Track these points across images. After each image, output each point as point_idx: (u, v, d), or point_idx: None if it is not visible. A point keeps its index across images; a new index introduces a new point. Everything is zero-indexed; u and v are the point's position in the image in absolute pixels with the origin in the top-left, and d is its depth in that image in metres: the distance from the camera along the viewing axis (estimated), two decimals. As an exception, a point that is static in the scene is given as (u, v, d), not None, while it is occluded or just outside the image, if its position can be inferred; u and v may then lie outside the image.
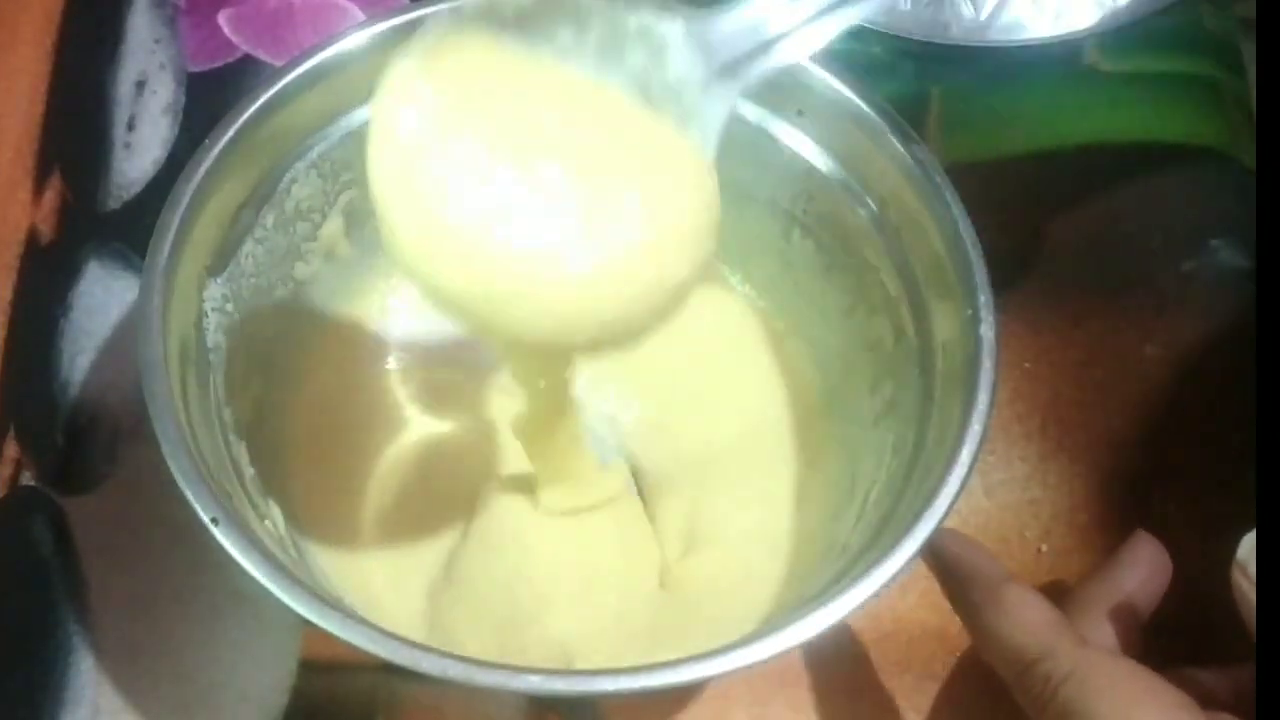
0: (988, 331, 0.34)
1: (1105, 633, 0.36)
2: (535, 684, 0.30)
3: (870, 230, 0.39)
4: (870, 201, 0.39)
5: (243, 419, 0.38)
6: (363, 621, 0.31)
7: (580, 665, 0.38)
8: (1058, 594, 0.42)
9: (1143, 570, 0.37)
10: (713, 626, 0.38)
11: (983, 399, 0.34)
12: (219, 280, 0.37)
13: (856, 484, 0.39)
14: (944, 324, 0.36)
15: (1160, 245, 0.48)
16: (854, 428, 0.40)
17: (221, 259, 0.37)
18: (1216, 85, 0.51)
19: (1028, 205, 0.49)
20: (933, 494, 0.32)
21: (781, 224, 0.42)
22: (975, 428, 0.33)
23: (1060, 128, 0.50)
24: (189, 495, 0.32)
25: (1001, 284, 0.46)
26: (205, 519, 0.31)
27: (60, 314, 0.46)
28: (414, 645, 0.30)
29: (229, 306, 0.38)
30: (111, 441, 0.43)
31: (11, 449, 0.43)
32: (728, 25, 0.31)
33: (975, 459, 0.33)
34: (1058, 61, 0.51)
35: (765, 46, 0.32)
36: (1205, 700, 0.33)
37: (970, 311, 0.35)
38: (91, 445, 0.43)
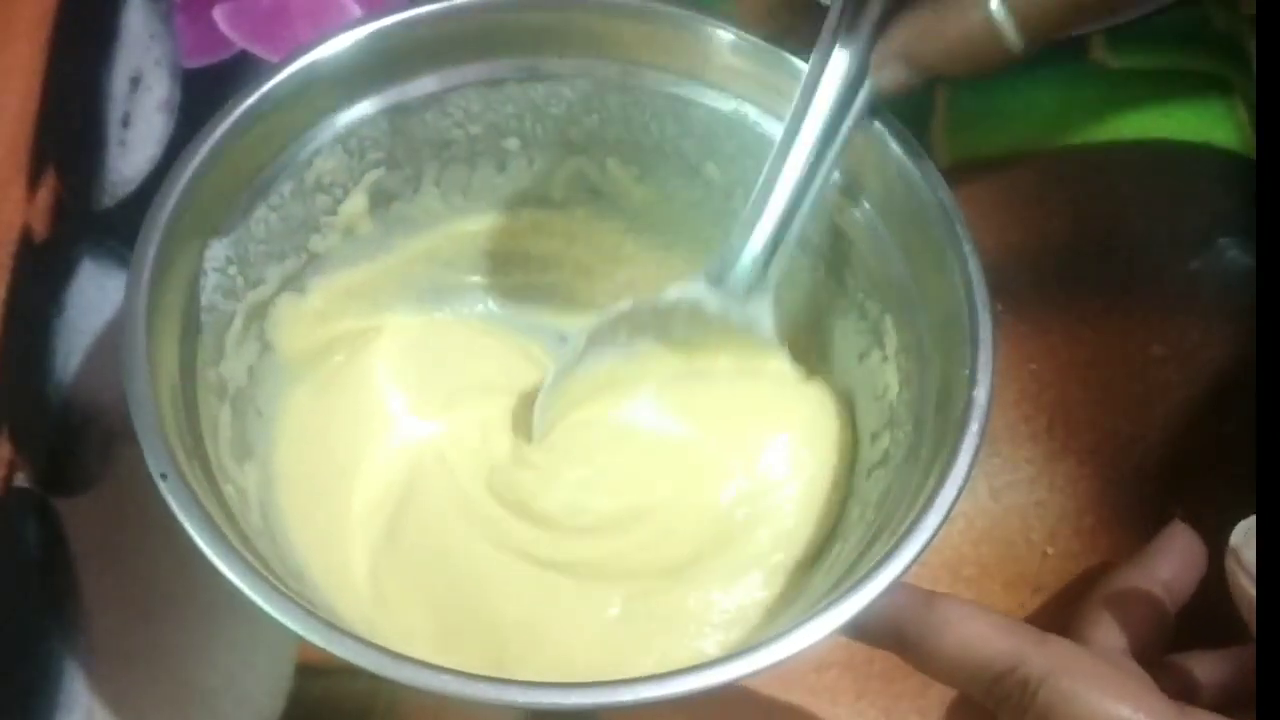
0: (980, 395, 0.33)
1: (1134, 620, 0.36)
2: (528, 696, 0.30)
3: (891, 274, 0.38)
4: (893, 246, 0.38)
5: (233, 382, 0.38)
6: (298, 598, 0.31)
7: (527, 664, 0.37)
8: (1065, 596, 0.42)
9: (1177, 560, 0.37)
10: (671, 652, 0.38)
11: (961, 464, 0.33)
12: (224, 241, 0.37)
13: (836, 535, 0.38)
14: (942, 379, 0.36)
15: (1167, 244, 0.48)
16: (850, 477, 0.40)
17: (230, 220, 0.37)
18: (1224, 83, 0.51)
19: (1033, 203, 0.48)
20: (887, 558, 0.32)
21: (810, 259, 0.41)
22: (949, 492, 0.32)
23: (1066, 125, 0.50)
24: (144, 447, 0.32)
25: (1007, 283, 0.46)
26: (155, 474, 0.31)
27: (54, 313, 0.45)
28: (368, 644, 0.30)
29: (231, 269, 0.38)
30: (105, 442, 0.43)
31: (4, 449, 0.43)
32: (731, 267, 0.39)
33: (938, 531, 0.32)
34: (1064, 58, 0.51)
35: (765, 266, 0.39)
36: (1189, 693, 0.33)
37: (967, 371, 0.34)
38: (85, 446, 0.43)
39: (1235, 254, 0.48)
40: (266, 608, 0.30)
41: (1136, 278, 0.47)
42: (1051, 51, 0.50)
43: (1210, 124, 0.50)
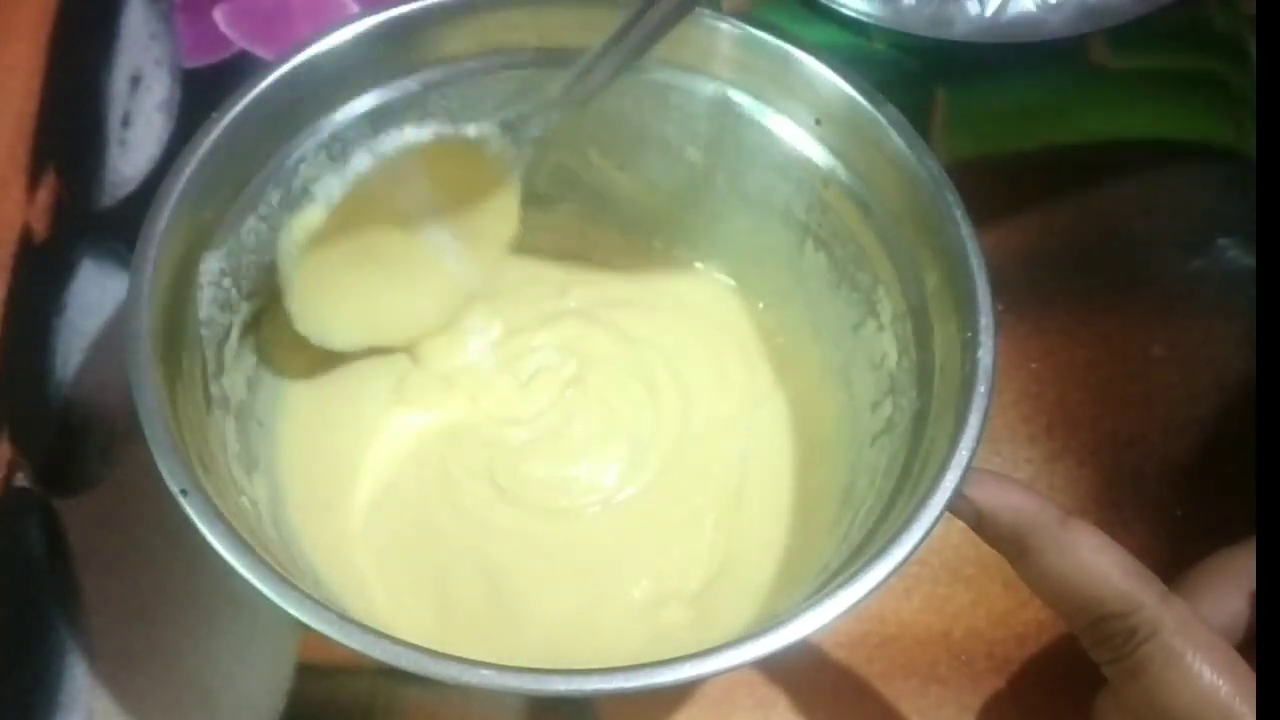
0: (985, 356, 0.34)
1: (1234, 606, 0.35)
2: (527, 683, 0.30)
3: (881, 245, 0.38)
4: (882, 216, 0.38)
5: (234, 395, 0.38)
6: (315, 598, 0.30)
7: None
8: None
9: None
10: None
11: (973, 423, 0.33)
12: (217, 254, 0.37)
13: (846, 504, 0.38)
14: (944, 345, 0.36)
15: (1167, 244, 0.48)
16: (852, 447, 0.40)
17: (221, 233, 0.37)
18: (1224, 83, 0.51)
19: (1034, 203, 0.48)
20: (911, 518, 0.32)
21: (796, 235, 0.41)
22: (963, 453, 0.32)
23: (1066, 125, 0.50)
24: (160, 465, 0.32)
25: (1007, 283, 0.46)
26: (174, 490, 0.31)
27: (54, 313, 0.45)
28: (373, 632, 0.30)
29: (225, 281, 0.38)
30: (106, 442, 0.43)
31: (4, 449, 0.43)
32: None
33: (960, 484, 0.32)
34: (1064, 58, 0.51)
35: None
36: None
37: (970, 334, 0.34)
38: (86, 446, 0.43)
39: (1235, 254, 0.48)
40: (317, 624, 0.30)
41: (1136, 278, 0.47)
42: (1051, 51, 0.51)
43: (1210, 124, 0.50)
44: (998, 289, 0.35)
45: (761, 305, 0.44)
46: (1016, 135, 0.50)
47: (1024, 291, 0.47)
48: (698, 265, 0.44)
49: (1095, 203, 0.49)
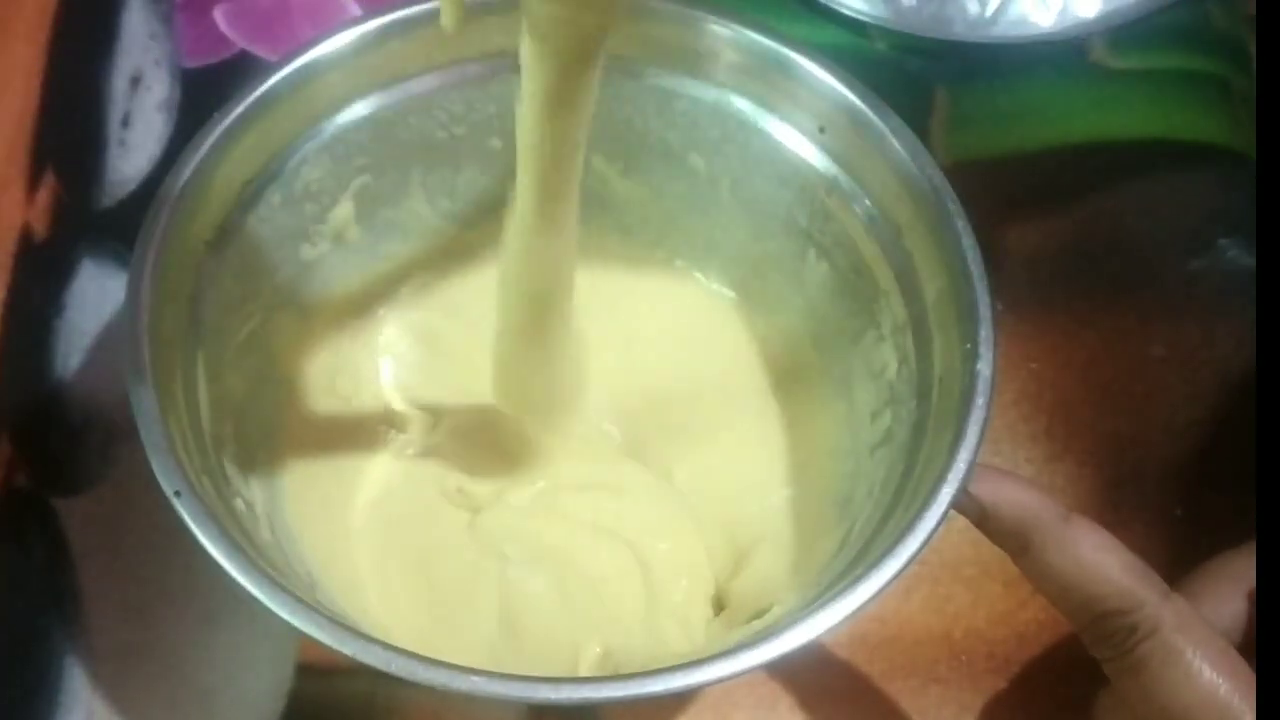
0: (984, 368, 0.33)
1: (1234, 608, 0.35)
2: (516, 690, 0.30)
3: (883, 255, 0.38)
4: (884, 225, 0.38)
5: (234, 396, 0.38)
6: (306, 601, 0.30)
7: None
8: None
9: None
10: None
11: (971, 435, 0.33)
12: (218, 254, 0.37)
13: (845, 514, 0.38)
14: (944, 356, 0.36)
15: (1167, 244, 0.48)
16: (851, 457, 0.40)
17: (222, 233, 0.37)
18: (1224, 83, 0.51)
19: (1033, 203, 0.48)
20: (909, 529, 0.32)
21: (798, 244, 0.41)
22: (960, 466, 0.32)
23: (1066, 125, 0.50)
24: (155, 467, 0.32)
25: (1007, 283, 0.46)
26: (168, 491, 0.31)
27: (54, 313, 0.45)
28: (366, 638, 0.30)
29: (227, 282, 0.38)
30: (105, 442, 0.43)
31: (4, 449, 0.43)
32: None
33: (956, 497, 0.32)
34: (1064, 58, 0.51)
35: None
36: None
37: (969, 346, 0.34)
38: (85, 446, 0.43)
39: (1235, 254, 0.48)
40: (306, 627, 0.30)
41: (1136, 278, 0.47)
42: (1051, 51, 0.51)
43: (1210, 124, 0.50)
44: (998, 289, 0.35)
45: (761, 316, 0.44)
46: (1016, 135, 0.50)
47: (1024, 291, 0.47)
48: (698, 276, 0.44)
49: (1095, 203, 0.49)
